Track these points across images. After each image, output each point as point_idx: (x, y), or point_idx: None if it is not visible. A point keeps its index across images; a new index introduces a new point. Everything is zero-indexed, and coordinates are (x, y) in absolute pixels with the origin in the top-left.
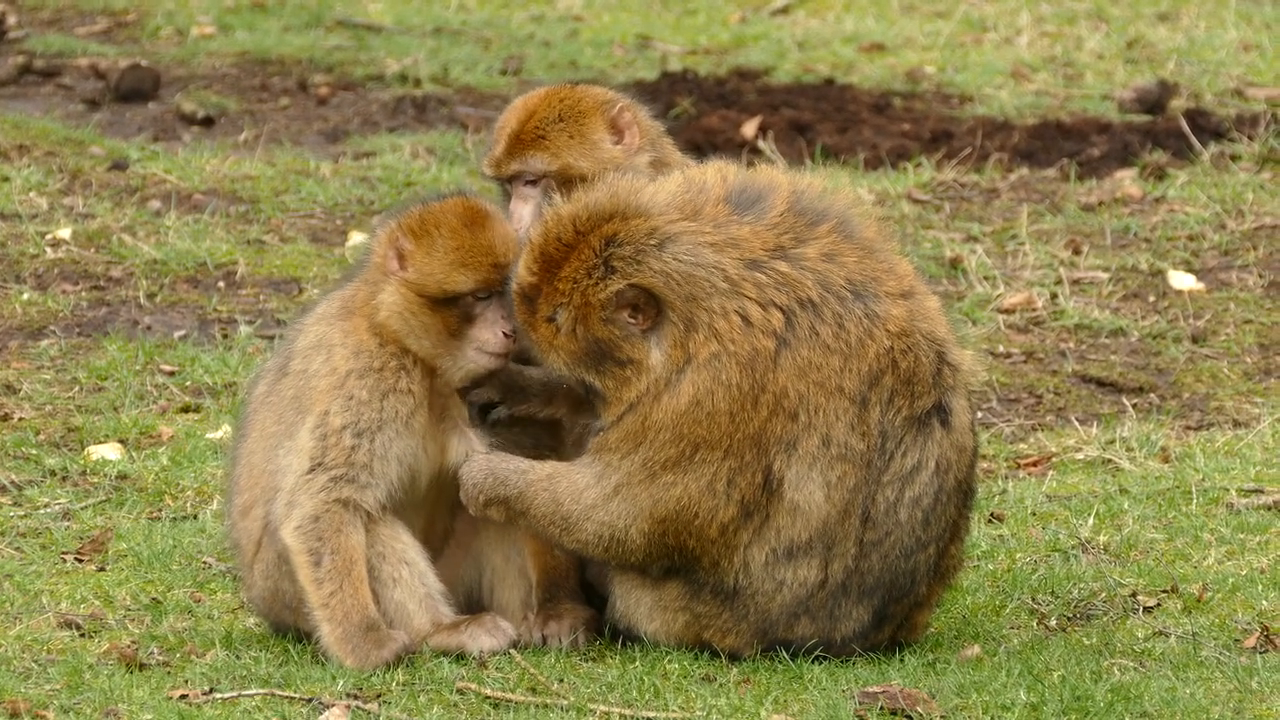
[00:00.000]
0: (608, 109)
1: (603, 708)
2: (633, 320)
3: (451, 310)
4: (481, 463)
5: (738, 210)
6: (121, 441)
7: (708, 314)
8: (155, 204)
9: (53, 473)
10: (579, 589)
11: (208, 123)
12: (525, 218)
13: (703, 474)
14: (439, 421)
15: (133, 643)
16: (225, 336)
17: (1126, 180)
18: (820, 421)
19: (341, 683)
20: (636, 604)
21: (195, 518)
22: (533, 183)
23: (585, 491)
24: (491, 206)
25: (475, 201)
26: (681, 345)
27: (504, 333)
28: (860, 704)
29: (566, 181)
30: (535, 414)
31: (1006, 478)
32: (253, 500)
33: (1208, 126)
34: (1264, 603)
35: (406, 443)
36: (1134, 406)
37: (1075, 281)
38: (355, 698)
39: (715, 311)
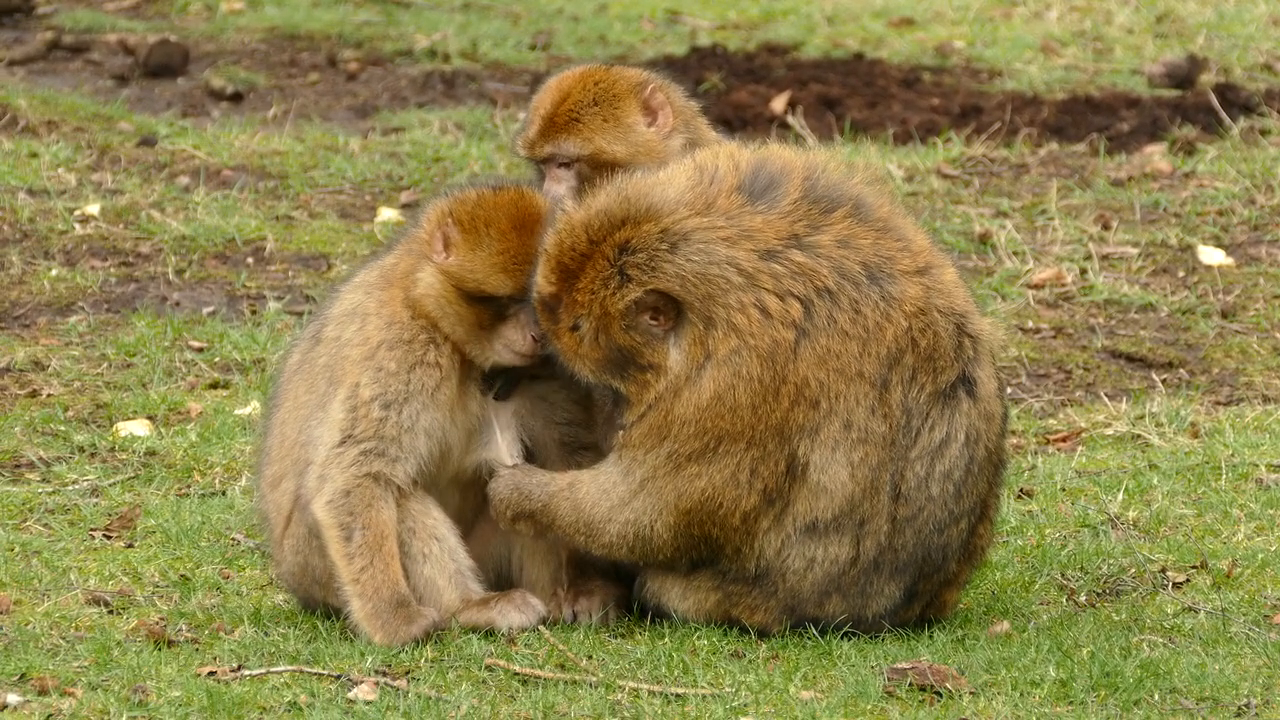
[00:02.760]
0: (641, 91)
1: (631, 684)
2: (654, 322)
3: (486, 307)
4: (507, 478)
5: (751, 199)
6: (150, 418)
7: (725, 309)
8: (184, 180)
9: (81, 449)
10: (609, 566)
11: (236, 98)
12: (558, 200)
13: (726, 465)
14: (468, 397)
15: (161, 619)
16: (254, 312)
17: (1156, 155)
18: (841, 407)
19: (370, 659)
20: (671, 585)
21: (224, 494)
22: (566, 165)
23: (610, 491)
24: (545, 205)
25: (530, 200)
26: (701, 342)
27: (533, 336)
28: (889, 680)
29: (601, 166)
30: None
31: (1036, 453)
32: (283, 472)
33: (1237, 101)
34: None
35: (433, 415)
36: (1163, 382)
37: (1105, 257)
38: (384, 674)
39: (733, 306)
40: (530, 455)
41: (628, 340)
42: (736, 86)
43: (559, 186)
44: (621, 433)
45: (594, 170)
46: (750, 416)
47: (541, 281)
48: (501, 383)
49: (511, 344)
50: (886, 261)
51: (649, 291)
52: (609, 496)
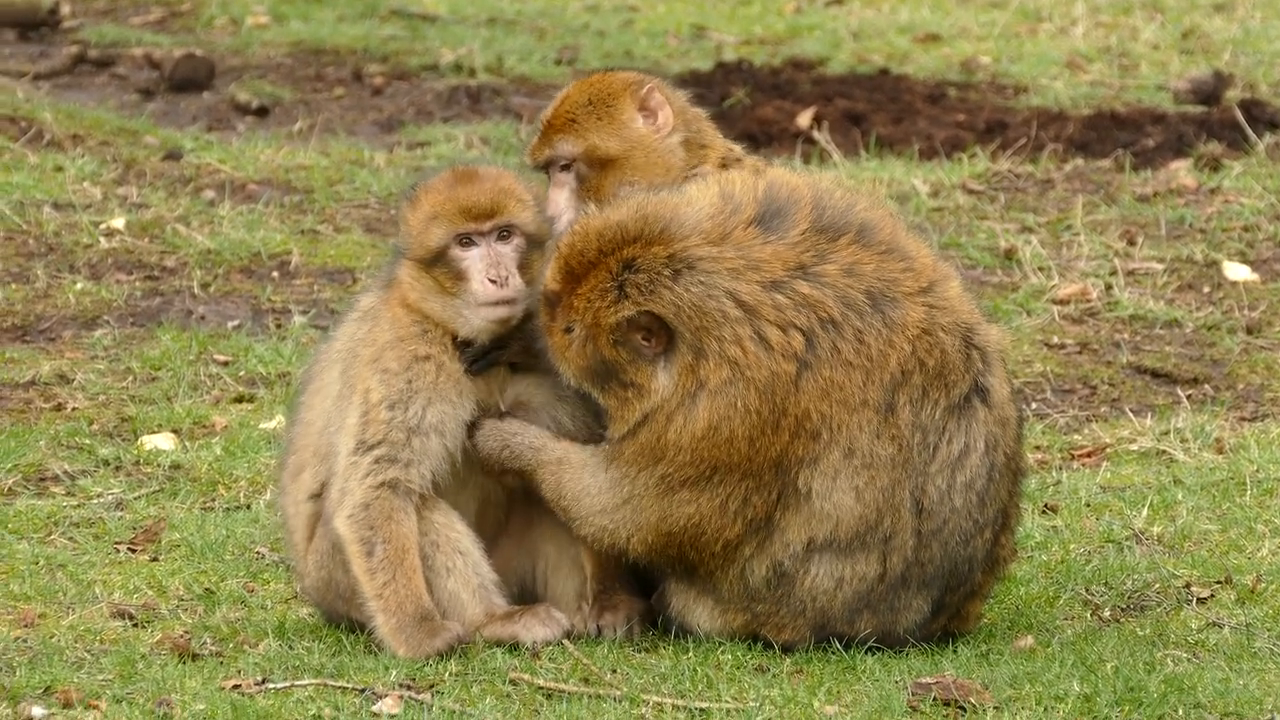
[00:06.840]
0: (637, 90)
1: (655, 698)
2: (646, 342)
3: (442, 270)
4: (495, 433)
5: (764, 231)
6: (175, 431)
7: (719, 342)
8: (209, 194)
9: (106, 463)
10: (633, 579)
11: (262, 112)
12: (561, 204)
13: (719, 494)
14: (473, 389)
15: (186, 633)
16: (279, 326)
17: (1181, 171)
18: (843, 437)
19: (394, 673)
20: (697, 604)
21: (248, 508)
22: (566, 168)
23: (595, 495)
24: (488, 167)
25: (471, 166)
26: (691, 371)
27: (490, 279)
28: (913, 695)
29: (597, 164)
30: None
31: (1061, 468)
32: (303, 463)
33: (1263, 117)
34: None
35: (440, 409)
36: (1188, 397)
37: (1130, 272)
38: (408, 688)
39: (727, 339)
40: None
41: (614, 355)
42: (762, 102)
43: (560, 192)
44: (608, 444)
45: (591, 169)
46: (748, 449)
47: (549, 277)
48: (477, 356)
49: (476, 296)
50: (890, 285)
51: (642, 312)
52: (592, 499)
